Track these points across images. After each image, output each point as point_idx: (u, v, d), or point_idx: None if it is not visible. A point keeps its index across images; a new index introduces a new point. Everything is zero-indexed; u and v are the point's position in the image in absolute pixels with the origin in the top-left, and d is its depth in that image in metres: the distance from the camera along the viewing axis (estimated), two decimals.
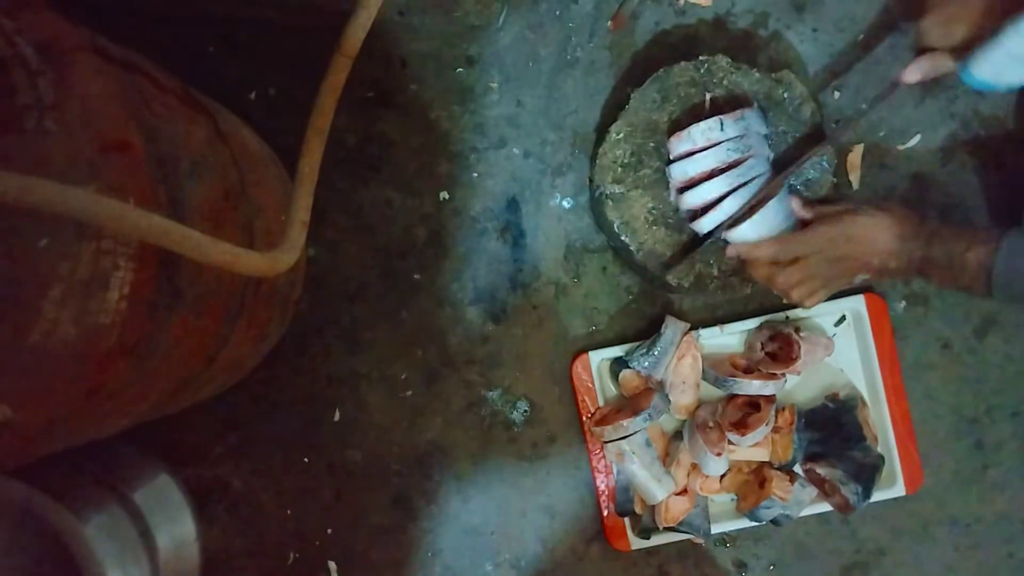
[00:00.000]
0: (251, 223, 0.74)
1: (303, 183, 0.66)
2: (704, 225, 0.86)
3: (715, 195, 0.85)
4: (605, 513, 0.99)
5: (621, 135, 0.90)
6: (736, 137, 0.85)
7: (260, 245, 0.75)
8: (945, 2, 0.76)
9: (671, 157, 0.88)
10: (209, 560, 0.95)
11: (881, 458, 0.95)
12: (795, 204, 0.85)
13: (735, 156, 0.85)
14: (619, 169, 0.90)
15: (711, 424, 0.93)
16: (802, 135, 0.90)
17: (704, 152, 0.85)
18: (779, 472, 0.94)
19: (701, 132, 0.85)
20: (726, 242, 0.88)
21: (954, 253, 0.75)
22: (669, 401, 0.94)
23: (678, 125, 0.90)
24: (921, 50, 0.79)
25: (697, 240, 0.90)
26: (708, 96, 0.90)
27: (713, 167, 0.85)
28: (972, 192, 1.00)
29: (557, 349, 1.01)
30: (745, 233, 0.85)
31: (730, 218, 0.85)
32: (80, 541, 0.75)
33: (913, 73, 0.80)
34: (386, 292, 1.00)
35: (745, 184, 0.85)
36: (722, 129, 0.85)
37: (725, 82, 0.90)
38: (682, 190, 0.87)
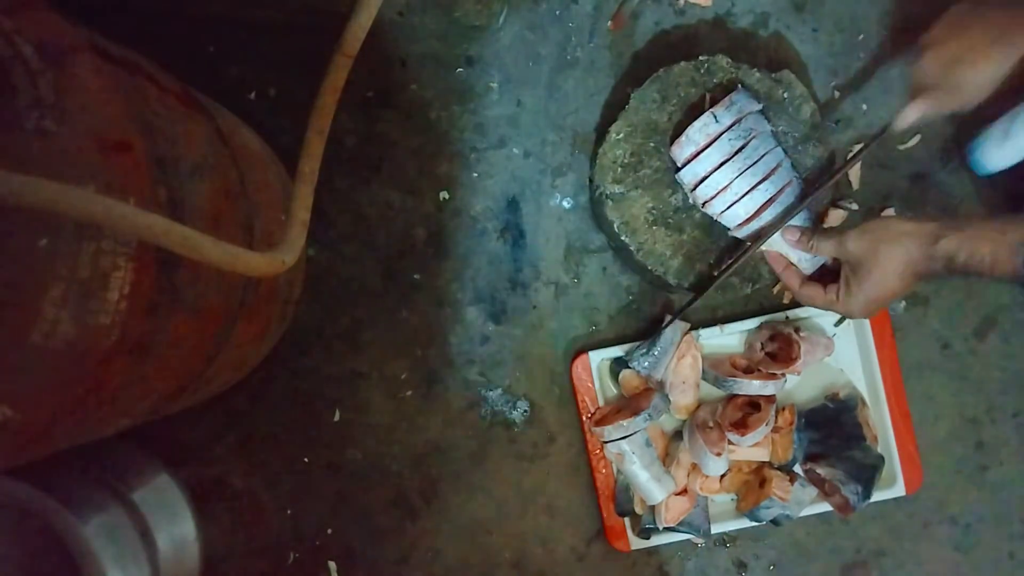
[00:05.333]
0: (251, 223, 0.74)
1: (303, 183, 0.66)
2: (716, 207, 0.87)
3: (725, 182, 0.85)
4: (605, 513, 0.99)
5: (621, 135, 0.90)
6: (733, 124, 0.85)
7: (260, 245, 0.75)
8: (946, 41, 0.73)
9: (678, 165, 0.88)
10: (209, 560, 0.95)
11: (881, 458, 0.95)
12: (789, 236, 0.85)
13: (738, 144, 0.85)
14: (619, 169, 0.90)
15: (711, 424, 0.93)
16: (803, 139, 0.91)
17: (708, 150, 0.85)
18: (779, 472, 0.94)
19: (698, 130, 0.85)
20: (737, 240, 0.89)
21: (981, 270, 0.70)
22: (669, 401, 0.94)
23: (678, 126, 0.90)
24: (917, 89, 0.76)
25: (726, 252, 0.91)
26: (708, 96, 0.90)
27: (721, 160, 0.85)
28: (972, 192, 1.00)
29: (557, 349, 1.01)
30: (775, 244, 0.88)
31: (761, 230, 0.87)
32: (80, 541, 0.75)
33: (906, 119, 0.77)
34: (386, 292, 1.00)
35: (755, 164, 0.85)
36: (717, 121, 0.85)
37: (725, 82, 0.90)
38: (695, 187, 0.87)
